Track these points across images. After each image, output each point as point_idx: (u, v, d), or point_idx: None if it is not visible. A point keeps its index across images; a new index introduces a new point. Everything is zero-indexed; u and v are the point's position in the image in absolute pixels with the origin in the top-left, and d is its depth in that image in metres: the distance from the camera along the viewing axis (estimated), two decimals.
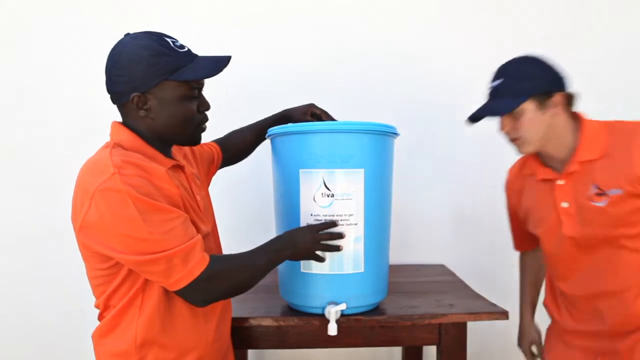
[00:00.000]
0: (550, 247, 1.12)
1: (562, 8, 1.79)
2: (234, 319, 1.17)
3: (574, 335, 1.14)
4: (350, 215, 1.15)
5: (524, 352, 1.36)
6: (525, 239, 1.29)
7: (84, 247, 0.88)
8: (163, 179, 0.87)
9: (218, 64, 0.93)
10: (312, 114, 1.31)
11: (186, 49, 0.93)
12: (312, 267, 1.17)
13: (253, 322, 1.21)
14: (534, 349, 1.35)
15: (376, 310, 1.25)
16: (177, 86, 0.89)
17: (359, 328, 1.22)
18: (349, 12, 1.80)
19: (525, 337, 1.35)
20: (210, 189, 1.24)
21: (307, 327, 1.21)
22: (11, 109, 1.78)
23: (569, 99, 1.05)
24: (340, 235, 1.12)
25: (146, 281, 0.89)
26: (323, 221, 1.12)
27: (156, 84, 0.88)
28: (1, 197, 1.80)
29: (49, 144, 1.78)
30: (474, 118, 1.10)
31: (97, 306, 0.94)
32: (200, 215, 1.00)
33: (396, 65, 1.78)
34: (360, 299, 1.20)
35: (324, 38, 1.80)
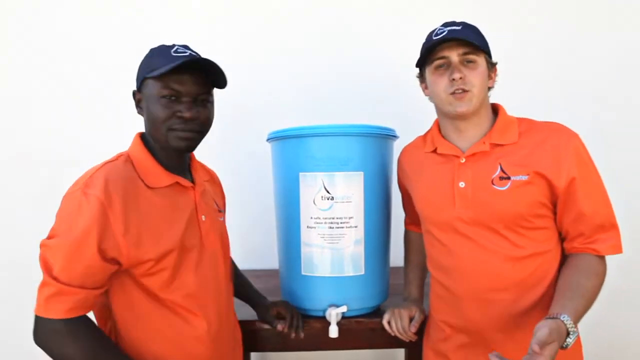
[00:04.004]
0: (438, 230, 1.04)
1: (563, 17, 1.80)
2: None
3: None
4: (350, 217, 1.16)
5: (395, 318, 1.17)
6: (417, 217, 1.18)
7: None
8: (128, 210, 0.84)
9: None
10: (277, 313, 1.19)
11: (187, 53, 0.92)
12: (313, 269, 1.18)
13: (255, 325, 1.21)
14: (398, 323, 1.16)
15: (377, 312, 1.25)
16: (153, 84, 0.91)
17: (360, 330, 1.22)
18: (349, 13, 1.81)
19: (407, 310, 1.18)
20: None
21: (308, 330, 1.21)
22: (16, 114, 1.79)
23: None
24: None
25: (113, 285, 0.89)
26: None
27: (141, 82, 0.94)
28: (8, 202, 1.81)
29: (54, 150, 1.80)
30: (429, 50, 0.98)
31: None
32: (196, 234, 0.96)
33: (396, 67, 1.78)
34: (361, 301, 1.21)
35: (324, 40, 1.81)
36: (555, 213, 0.97)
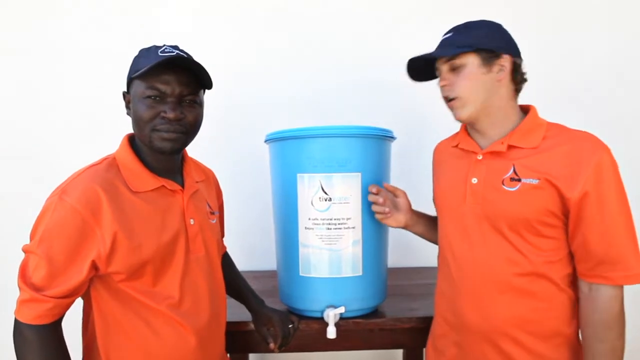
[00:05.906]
0: (446, 222, 1.06)
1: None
2: (235, 324, 1.17)
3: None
4: (348, 218, 1.16)
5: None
6: None
7: None
8: (106, 217, 0.84)
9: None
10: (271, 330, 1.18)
11: (174, 53, 0.89)
12: (311, 270, 1.18)
13: (253, 326, 1.21)
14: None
15: (375, 313, 1.25)
16: (138, 85, 0.90)
17: (358, 331, 1.22)
18: (349, 16, 1.81)
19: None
20: None
21: (306, 331, 1.21)
22: (12, 110, 1.79)
23: (516, 70, 0.97)
24: None
25: (93, 288, 0.88)
26: None
27: (129, 83, 0.94)
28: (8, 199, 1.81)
29: (51, 147, 1.80)
30: (413, 67, 1.05)
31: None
32: (182, 238, 0.95)
33: (394, 68, 1.78)
34: (359, 302, 1.21)
35: (323, 41, 1.81)
36: (567, 225, 0.91)
